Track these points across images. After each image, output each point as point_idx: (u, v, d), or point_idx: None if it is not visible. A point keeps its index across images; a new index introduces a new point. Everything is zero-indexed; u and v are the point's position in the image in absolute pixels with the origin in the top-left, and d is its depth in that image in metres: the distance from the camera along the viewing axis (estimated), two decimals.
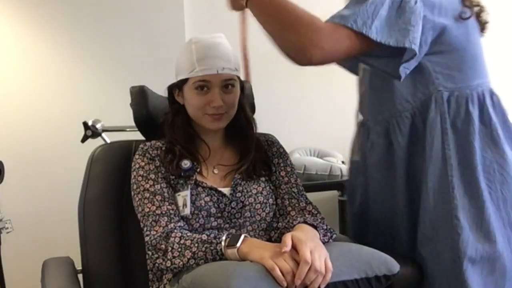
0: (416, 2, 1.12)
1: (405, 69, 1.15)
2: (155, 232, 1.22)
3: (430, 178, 1.21)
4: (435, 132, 1.21)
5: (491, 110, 1.22)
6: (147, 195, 1.28)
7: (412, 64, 1.16)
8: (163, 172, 1.32)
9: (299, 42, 1.10)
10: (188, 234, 1.20)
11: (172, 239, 1.19)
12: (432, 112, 1.22)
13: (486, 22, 1.28)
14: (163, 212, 1.25)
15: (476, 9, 1.25)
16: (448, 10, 1.18)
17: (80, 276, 1.44)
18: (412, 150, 1.27)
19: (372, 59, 1.19)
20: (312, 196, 1.50)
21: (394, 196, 1.32)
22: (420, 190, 1.24)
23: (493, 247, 1.16)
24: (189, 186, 1.29)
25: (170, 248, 1.17)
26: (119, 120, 1.95)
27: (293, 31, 1.11)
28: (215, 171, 1.37)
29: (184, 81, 1.34)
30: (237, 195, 1.32)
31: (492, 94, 1.26)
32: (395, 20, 1.12)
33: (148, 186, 1.29)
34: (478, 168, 1.18)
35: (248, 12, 1.24)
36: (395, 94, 1.27)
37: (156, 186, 1.29)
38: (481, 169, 1.19)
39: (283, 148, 1.46)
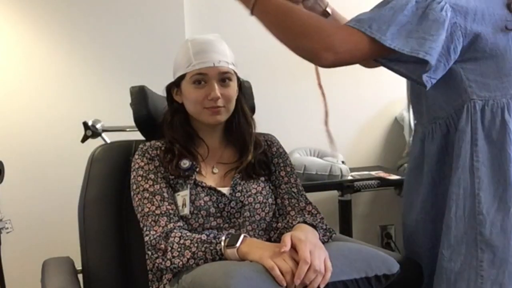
0: (442, 9, 1.06)
1: (430, 79, 1.09)
2: (154, 232, 1.22)
3: (455, 190, 1.14)
4: (464, 142, 1.14)
5: None
6: (146, 195, 1.28)
7: (439, 73, 1.10)
8: (162, 172, 1.32)
9: (312, 48, 1.10)
10: (188, 234, 1.20)
11: (171, 239, 1.19)
12: (463, 121, 1.15)
13: None
14: (163, 212, 1.25)
15: None
16: (486, 16, 1.10)
17: (80, 276, 1.45)
18: (442, 160, 1.22)
19: (393, 63, 1.12)
20: (312, 196, 1.50)
21: (417, 205, 1.27)
22: (444, 204, 1.18)
23: None
24: (189, 186, 1.29)
25: (169, 248, 1.18)
26: (119, 120, 1.95)
27: (305, 37, 1.10)
28: (215, 170, 1.37)
29: (181, 78, 1.34)
30: (236, 194, 1.32)
31: None
32: (414, 27, 1.07)
33: (147, 186, 1.29)
34: (511, 185, 1.11)
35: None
36: (431, 100, 1.22)
37: (155, 186, 1.29)
38: None
39: (282, 148, 1.46)
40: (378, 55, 1.11)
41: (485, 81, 1.13)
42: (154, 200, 1.26)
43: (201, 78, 1.31)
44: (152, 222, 1.24)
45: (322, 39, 1.09)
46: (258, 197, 1.33)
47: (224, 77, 1.32)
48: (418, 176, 1.27)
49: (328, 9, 1.38)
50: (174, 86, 1.38)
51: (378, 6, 1.11)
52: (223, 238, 1.13)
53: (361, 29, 1.08)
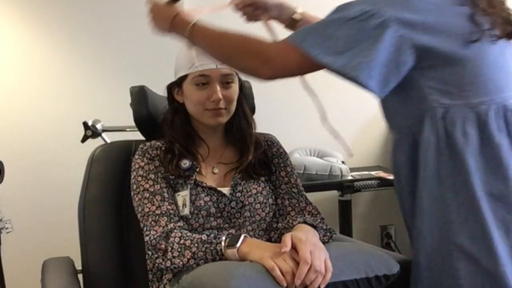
0: (382, 24, 1.03)
1: (380, 92, 1.07)
2: (154, 232, 1.22)
3: (426, 200, 1.11)
4: (429, 152, 1.11)
5: (495, 131, 1.08)
6: (146, 195, 1.28)
7: (391, 85, 1.07)
8: (162, 172, 1.32)
9: (249, 65, 1.15)
10: (188, 234, 1.20)
11: (172, 239, 1.19)
12: (427, 130, 1.11)
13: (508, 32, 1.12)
14: (163, 212, 1.25)
15: (494, 19, 1.10)
16: (439, 27, 1.07)
17: (80, 276, 1.45)
18: (414, 169, 1.18)
19: (341, 76, 1.11)
20: (312, 196, 1.50)
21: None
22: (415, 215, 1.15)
23: (498, 277, 1.06)
24: (189, 186, 1.29)
25: (170, 248, 1.17)
26: (119, 120, 1.95)
27: (242, 57, 1.16)
28: (215, 170, 1.37)
29: (183, 78, 1.34)
30: (236, 195, 1.32)
31: (506, 112, 1.10)
32: (349, 43, 1.04)
33: (147, 186, 1.29)
34: (477, 194, 1.06)
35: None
36: (394, 110, 1.18)
37: (155, 186, 1.29)
38: (483, 195, 1.07)
39: (283, 148, 1.46)
40: (316, 69, 1.11)
41: (446, 88, 1.09)
42: (154, 200, 1.26)
43: (203, 80, 1.31)
44: (152, 222, 1.23)
45: (257, 56, 1.12)
46: (259, 197, 1.33)
47: (226, 79, 1.33)
48: (397, 183, 1.25)
49: (297, 16, 1.38)
50: (175, 86, 1.38)
51: (320, 21, 1.11)
52: (224, 238, 1.13)
53: (295, 45, 1.08)
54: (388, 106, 1.21)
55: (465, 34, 1.07)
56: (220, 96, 1.30)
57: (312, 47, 1.06)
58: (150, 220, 1.24)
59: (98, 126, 1.98)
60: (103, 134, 2.01)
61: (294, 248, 1.05)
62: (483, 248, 1.05)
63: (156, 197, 1.27)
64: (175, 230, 1.21)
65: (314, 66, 1.09)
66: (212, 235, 1.18)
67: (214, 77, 1.31)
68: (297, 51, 1.08)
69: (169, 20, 1.24)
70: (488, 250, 1.05)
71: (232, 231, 1.29)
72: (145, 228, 1.25)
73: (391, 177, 2.39)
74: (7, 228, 1.84)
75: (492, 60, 1.10)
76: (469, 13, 1.08)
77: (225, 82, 1.33)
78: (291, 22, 1.39)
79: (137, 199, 1.29)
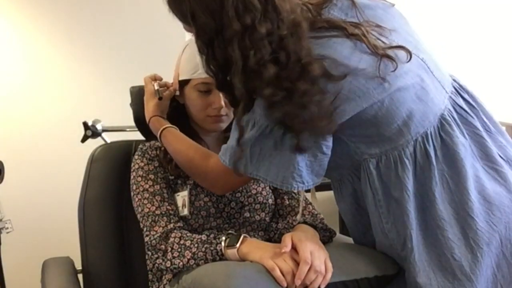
0: (284, 136, 1.01)
1: (321, 178, 1.07)
2: (154, 232, 1.22)
3: (380, 242, 1.12)
4: (370, 205, 1.10)
5: (424, 165, 1.04)
6: (146, 195, 1.27)
7: (325, 164, 1.06)
8: (162, 172, 1.32)
9: (203, 184, 1.26)
10: (188, 234, 1.20)
11: (171, 239, 1.19)
12: (363, 182, 1.09)
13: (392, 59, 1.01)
14: (163, 213, 1.25)
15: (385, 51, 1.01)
16: (337, 100, 0.98)
17: (80, 276, 1.45)
18: (357, 216, 1.17)
19: None
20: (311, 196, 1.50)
21: None
22: None
23: None
24: (188, 187, 1.29)
25: (169, 249, 1.17)
26: (119, 120, 1.95)
27: (195, 177, 1.27)
28: None
29: (186, 81, 1.34)
30: (236, 195, 1.32)
31: (436, 138, 1.05)
32: (259, 153, 1.04)
33: (147, 186, 1.29)
34: (419, 238, 1.04)
35: None
36: (330, 163, 1.09)
37: (155, 186, 1.29)
38: (420, 235, 1.04)
39: None
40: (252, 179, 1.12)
41: (370, 140, 1.05)
42: (154, 200, 1.26)
43: (206, 87, 1.31)
44: (152, 223, 1.23)
45: (204, 179, 1.22)
46: (258, 198, 1.33)
47: None
48: (348, 228, 1.26)
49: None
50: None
51: (235, 134, 1.07)
52: (223, 238, 1.13)
53: (223, 163, 1.09)
54: None
55: (373, 78, 0.99)
56: (223, 104, 1.30)
57: (245, 167, 1.06)
58: (150, 220, 1.24)
59: (98, 126, 1.98)
60: (103, 134, 2.01)
61: (294, 248, 1.04)
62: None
63: (156, 197, 1.27)
64: (175, 231, 1.21)
65: (251, 178, 1.10)
66: (212, 236, 1.18)
67: None
68: (233, 171, 1.08)
69: (149, 116, 1.36)
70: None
71: (232, 231, 1.29)
72: (145, 229, 1.25)
73: None
74: (7, 228, 1.83)
75: (404, 94, 1.03)
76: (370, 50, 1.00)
77: None
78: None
79: (136, 199, 1.29)
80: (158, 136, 1.31)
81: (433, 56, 1.13)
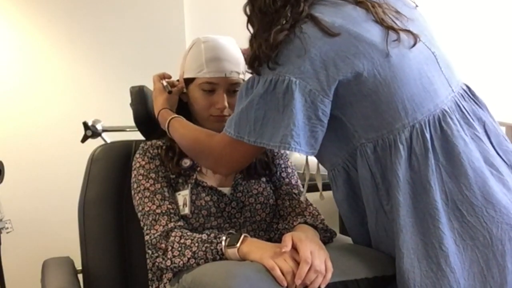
0: (287, 87, 1.02)
1: (312, 148, 1.07)
2: (155, 231, 1.22)
3: (380, 233, 1.12)
4: (368, 189, 1.10)
5: (420, 152, 1.04)
6: (147, 194, 1.28)
7: (319, 137, 1.07)
8: (163, 171, 1.32)
9: (207, 165, 1.27)
10: (188, 234, 1.20)
11: (172, 238, 1.19)
12: (361, 167, 1.10)
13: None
14: (163, 211, 1.25)
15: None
16: (340, 63, 1.02)
17: (80, 276, 1.45)
18: (353, 205, 1.18)
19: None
20: (312, 196, 1.50)
21: None
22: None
23: None
24: (189, 186, 1.30)
25: (170, 248, 1.17)
26: (119, 120, 1.95)
27: (199, 159, 1.27)
28: None
29: (190, 80, 1.34)
30: (237, 195, 1.32)
31: (432, 126, 1.06)
32: (267, 119, 1.06)
33: (148, 185, 1.29)
34: (406, 224, 1.04)
35: None
36: (326, 148, 1.14)
37: (156, 185, 1.29)
38: (410, 222, 1.05)
39: None
40: (259, 150, 1.13)
41: (368, 122, 1.07)
42: (155, 199, 1.26)
43: (210, 87, 1.32)
44: (153, 221, 1.24)
45: (208, 156, 1.20)
46: (259, 198, 1.33)
47: (233, 88, 1.33)
48: (344, 218, 1.26)
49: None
50: None
51: (239, 105, 1.10)
52: (224, 237, 1.13)
53: (231, 135, 1.10)
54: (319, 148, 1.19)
55: (377, 50, 1.03)
56: (226, 104, 1.31)
57: (249, 134, 1.08)
58: (150, 219, 1.24)
59: (98, 126, 1.98)
60: (103, 134, 2.01)
61: (294, 248, 1.04)
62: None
63: (157, 196, 1.27)
64: (175, 230, 1.21)
65: (255, 150, 1.11)
66: (212, 235, 1.18)
67: (222, 85, 1.31)
68: (238, 142, 1.10)
69: (158, 109, 1.36)
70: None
71: (233, 231, 1.29)
72: (145, 227, 1.25)
73: None
74: (7, 228, 1.83)
75: (408, 75, 1.05)
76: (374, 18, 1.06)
77: (232, 91, 1.33)
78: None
79: (137, 198, 1.29)
80: (166, 126, 1.31)
81: (446, 56, 1.15)
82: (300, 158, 2.46)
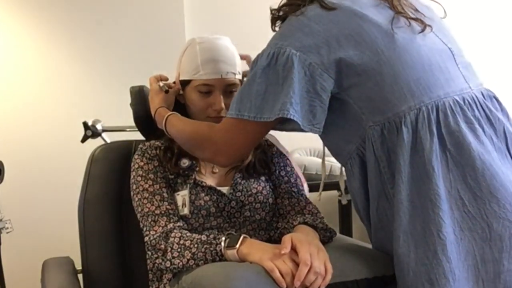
0: (287, 59, 1.04)
1: (314, 127, 1.07)
2: (154, 232, 1.22)
3: (382, 219, 1.11)
4: (374, 172, 1.09)
5: (425, 136, 1.03)
6: (146, 195, 1.28)
7: (320, 116, 1.07)
8: (162, 172, 1.32)
9: (206, 156, 1.24)
10: (188, 234, 1.20)
11: (171, 239, 1.19)
12: (368, 151, 1.09)
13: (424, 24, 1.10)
14: (162, 212, 1.25)
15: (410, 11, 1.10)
16: (343, 40, 1.05)
17: (80, 276, 1.45)
18: (367, 194, 1.16)
19: (285, 126, 1.13)
20: (312, 196, 1.50)
21: None
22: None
23: None
24: (188, 186, 1.29)
25: (169, 248, 1.17)
26: (119, 120, 1.95)
27: (198, 150, 1.24)
28: (215, 169, 1.37)
29: (186, 82, 1.34)
30: (237, 194, 1.32)
31: (438, 114, 1.05)
32: (270, 91, 1.06)
33: (147, 186, 1.29)
34: (405, 208, 1.03)
35: None
36: (340, 137, 1.15)
37: (155, 186, 1.29)
38: (409, 206, 1.03)
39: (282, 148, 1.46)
40: (261, 131, 1.13)
41: (374, 104, 1.06)
42: (154, 200, 1.26)
43: (206, 89, 1.32)
44: (152, 222, 1.24)
45: (208, 147, 1.19)
46: (259, 197, 1.33)
47: (230, 88, 1.33)
48: (357, 211, 1.25)
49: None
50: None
51: (245, 83, 1.12)
52: (223, 238, 1.13)
53: (231, 116, 1.11)
54: (332, 139, 1.20)
55: (382, 31, 1.06)
56: (223, 106, 1.31)
57: (249, 111, 1.08)
58: (149, 220, 1.24)
59: (98, 126, 1.98)
60: (103, 134, 2.01)
61: (294, 249, 1.04)
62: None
63: (156, 197, 1.27)
64: (174, 230, 1.21)
65: (255, 134, 1.12)
66: (212, 236, 1.18)
67: (218, 87, 1.31)
68: (238, 125, 1.10)
69: (154, 108, 1.36)
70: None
71: (232, 230, 1.29)
72: (144, 228, 1.25)
73: None
74: (7, 228, 1.83)
75: (415, 59, 1.06)
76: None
77: (229, 91, 1.33)
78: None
79: (136, 199, 1.29)
80: (163, 123, 1.31)
81: (465, 58, 1.16)
82: (299, 158, 2.47)
